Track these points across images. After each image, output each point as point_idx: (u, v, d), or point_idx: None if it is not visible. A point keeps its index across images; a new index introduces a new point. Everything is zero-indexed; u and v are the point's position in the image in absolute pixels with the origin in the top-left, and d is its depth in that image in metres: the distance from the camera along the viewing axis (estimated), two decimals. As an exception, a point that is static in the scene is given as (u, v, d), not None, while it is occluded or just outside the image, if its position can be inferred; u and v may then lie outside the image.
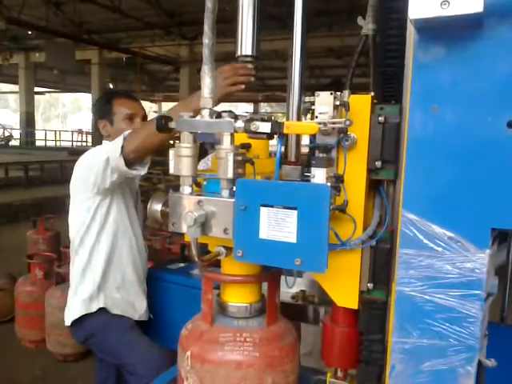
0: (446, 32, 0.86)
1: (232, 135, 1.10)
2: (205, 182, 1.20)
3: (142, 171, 2.03)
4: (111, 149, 1.95)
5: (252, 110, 30.65)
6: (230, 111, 1.17)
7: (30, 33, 15.21)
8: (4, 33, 12.69)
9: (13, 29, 13.01)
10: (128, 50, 16.51)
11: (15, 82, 22.25)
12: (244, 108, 35.39)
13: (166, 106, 35.57)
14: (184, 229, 1.13)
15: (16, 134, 24.49)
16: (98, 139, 2.37)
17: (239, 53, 1.27)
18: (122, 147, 1.90)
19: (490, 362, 0.94)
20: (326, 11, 11.58)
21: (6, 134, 23.73)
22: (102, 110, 2.28)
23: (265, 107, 35.08)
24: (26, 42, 17.32)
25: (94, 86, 18.39)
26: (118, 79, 23.06)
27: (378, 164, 1.11)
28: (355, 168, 1.13)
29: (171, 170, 1.17)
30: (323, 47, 14.79)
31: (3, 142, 21.86)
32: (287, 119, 1.30)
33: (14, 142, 22.99)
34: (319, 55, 15.85)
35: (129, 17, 13.40)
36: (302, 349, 2.69)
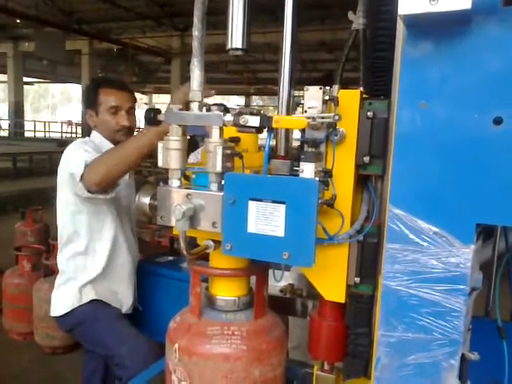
0: (435, 28, 0.86)
1: (221, 129, 1.10)
2: (193, 176, 1.20)
3: (111, 194, 1.96)
4: (74, 170, 1.90)
5: (244, 103, 30.57)
6: (221, 104, 1.16)
7: (18, 21, 14.98)
8: (-9, 21, 12.50)
9: (0, 17, 12.82)
10: (119, 40, 16.34)
11: (3, 72, 21.95)
12: (236, 101, 35.30)
13: (157, 98, 35.37)
14: (172, 222, 1.13)
15: (5, 124, 24.21)
16: (87, 130, 2.36)
17: (229, 46, 1.26)
18: (83, 176, 1.85)
19: (473, 356, 0.96)
20: (318, 4, 11.55)
21: (-5, 124, 23.46)
22: (89, 99, 2.21)
23: (256, 100, 35.01)
24: (15, 31, 17.09)
25: (84, 76, 18.19)
26: (108, 70, 22.83)
27: (367, 159, 1.12)
28: (344, 163, 1.13)
29: (160, 163, 1.17)
30: (315, 41, 14.75)
31: (-8, 133, 21.62)
32: (278, 113, 1.30)
33: (3, 133, 22.73)
34: (311, 49, 15.82)
35: (120, 7, 13.25)
36: (290, 342, 2.71)
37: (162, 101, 33.58)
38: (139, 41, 16.52)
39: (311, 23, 13.44)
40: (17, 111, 21.16)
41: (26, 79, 22.11)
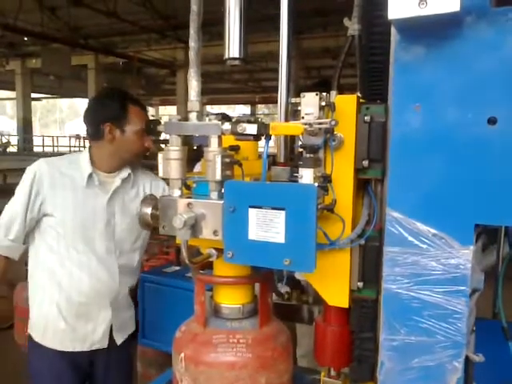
0: (426, 31, 0.87)
1: (219, 137, 1.11)
2: (194, 185, 1.21)
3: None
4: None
5: (249, 112, 30.68)
6: (220, 113, 1.18)
7: (25, 39, 15.22)
8: (0, 40, 12.69)
9: (9, 35, 13.03)
10: (124, 54, 16.51)
11: (12, 89, 22.26)
12: (241, 110, 35.43)
13: (164, 110, 35.60)
14: (174, 231, 1.13)
15: (14, 140, 24.50)
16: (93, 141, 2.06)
17: (227, 55, 1.28)
18: None
19: (478, 358, 0.95)
20: (319, 12, 11.60)
21: (4, 140, 23.74)
22: (113, 112, 1.98)
23: (262, 109, 35.11)
24: (22, 48, 17.35)
25: (91, 91, 18.37)
26: (114, 84, 23.07)
27: (365, 163, 1.12)
28: (343, 167, 1.13)
29: (160, 173, 1.18)
30: (319, 47, 14.80)
31: (1, 149, 21.86)
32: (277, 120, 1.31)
33: (12, 149, 23.00)
34: (316, 56, 15.87)
35: (124, 21, 13.41)
36: (299, 350, 2.70)
37: (168, 112, 33.78)
38: (144, 54, 16.68)
39: (314, 30, 13.50)
40: (25, 127, 21.42)
41: (33, 95, 22.40)
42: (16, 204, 1.95)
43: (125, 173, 2.07)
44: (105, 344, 2.08)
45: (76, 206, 1.97)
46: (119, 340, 2.12)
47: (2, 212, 1.99)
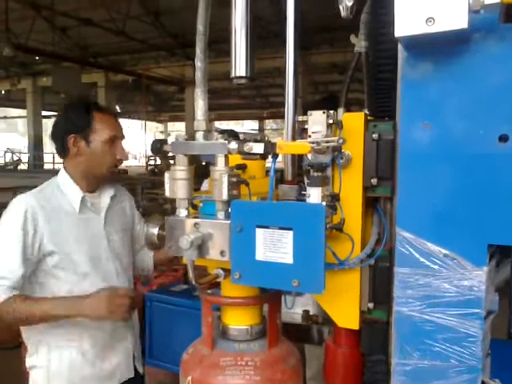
0: (433, 48, 0.86)
1: (226, 157, 1.10)
2: (201, 204, 1.20)
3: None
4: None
5: (258, 127, 30.80)
6: (227, 130, 1.17)
7: (37, 58, 15.47)
8: (12, 59, 12.92)
9: (21, 55, 13.26)
10: (133, 71, 16.72)
11: (23, 107, 22.58)
12: (249, 125, 35.60)
13: (173, 126, 35.87)
14: (181, 252, 1.12)
15: (25, 157, 24.77)
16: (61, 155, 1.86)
17: (233, 74, 1.27)
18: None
19: (495, 383, 0.92)
20: (326, 28, 11.68)
21: (15, 158, 24.01)
22: (77, 122, 1.79)
23: (270, 124, 35.26)
24: (33, 67, 17.64)
25: (101, 108, 18.62)
26: (124, 101, 23.33)
27: (374, 181, 1.10)
28: (351, 186, 1.12)
29: (167, 193, 1.17)
30: (327, 63, 14.88)
31: (12, 167, 22.09)
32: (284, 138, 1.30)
33: (23, 166, 23.25)
34: (324, 71, 15.94)
35: (133, 39, 13.61)
36: (308, 372, 2.64)
37: (177, 129, 34.04)
38: (153, 71, 16.88)
39: (321, 46, 13.59)
40: (36, 144, 21.66)
41: (44, 113, 22.69)
42: (8, 252, 1.66)
43: (110, 190, 1.93)
44: (131, 372, 1.94)
45: (77, 237, 1.78)
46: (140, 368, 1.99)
47: None
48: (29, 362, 1.87)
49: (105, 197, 1.91)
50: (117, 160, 1.85)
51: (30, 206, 1.70)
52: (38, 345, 1.82)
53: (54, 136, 1.85)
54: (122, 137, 1.88)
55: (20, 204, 1.72)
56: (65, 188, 1.83)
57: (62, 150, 1.83)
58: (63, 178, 1.84)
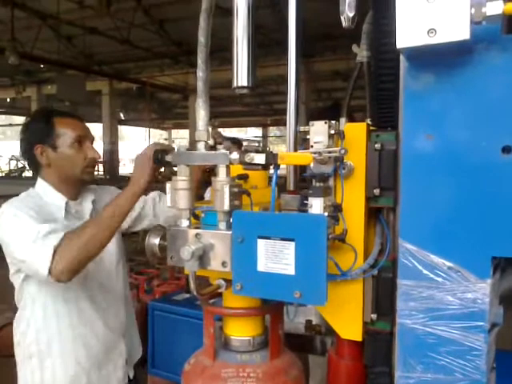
0: (435, 59, 0.85)
1: (228, 167, 1.09)
2: (203, 215, 1.19)
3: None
4: (32, 259, 1.55)
5: (261, 134, 30.82)
6: (229, 138, 1.17)
7: (42, 66, 15.57)
8: (17, 67, 13.00)
9: (26, 63, 13.36)
10: (137, 79, 16.81)
11: (28, 115, 22.69)
12: (253, 132, 35.63)
13: (177, 133, 35.95)
14: (182, 262, 1.11)
15: (29, 165, 24.88)
16: (34, 169, 1.85)
17: (235, 84, 1.27)
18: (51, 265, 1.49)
19: (499, 397, 0.91)
20: (328, 36, 11.72)
21: (20, 165, 24.12)
22: (39, 132, 1.78)
23: (274, 131, 35.28)
24: (38, 75, 17.75)
25: (105, 116, 18.68)
26: (128, 108, 23.44)
27: (377, 191, 1.10)
28: (353, 196, 1.11)
29: (168, 203, 1.17)
30: (330, 70, 14.92)
31: (16, 174, 22.19)
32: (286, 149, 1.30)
33: (27, 173, 23.34)
34: (327, 78, 15.98)
35: (138, 48, 13.70)
36: (311, 382, 2.62)
37: (181, 136, 34.12)
38: (157, 79, 16.96)
39: (324, 53, 13.63)
40: (41, 152, 21.75)
41: (49, 120, 22.83)
42: (27, 225, 1.61)
43: (90, 195, 1.91)
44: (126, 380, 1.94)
45: None
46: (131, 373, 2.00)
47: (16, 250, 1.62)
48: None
49: (87, 202, 1.90)
50: (89, 159, 1.82)
51: (25, 206, 1.69)
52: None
53: (23, 152, 1.83)
54: (91, 137, 1.86)
55: (12, 204, 1.71)
56: (47, 197, 1.81)
57: (33, 164, 1.83)
58: (43, 187, 1.83)
